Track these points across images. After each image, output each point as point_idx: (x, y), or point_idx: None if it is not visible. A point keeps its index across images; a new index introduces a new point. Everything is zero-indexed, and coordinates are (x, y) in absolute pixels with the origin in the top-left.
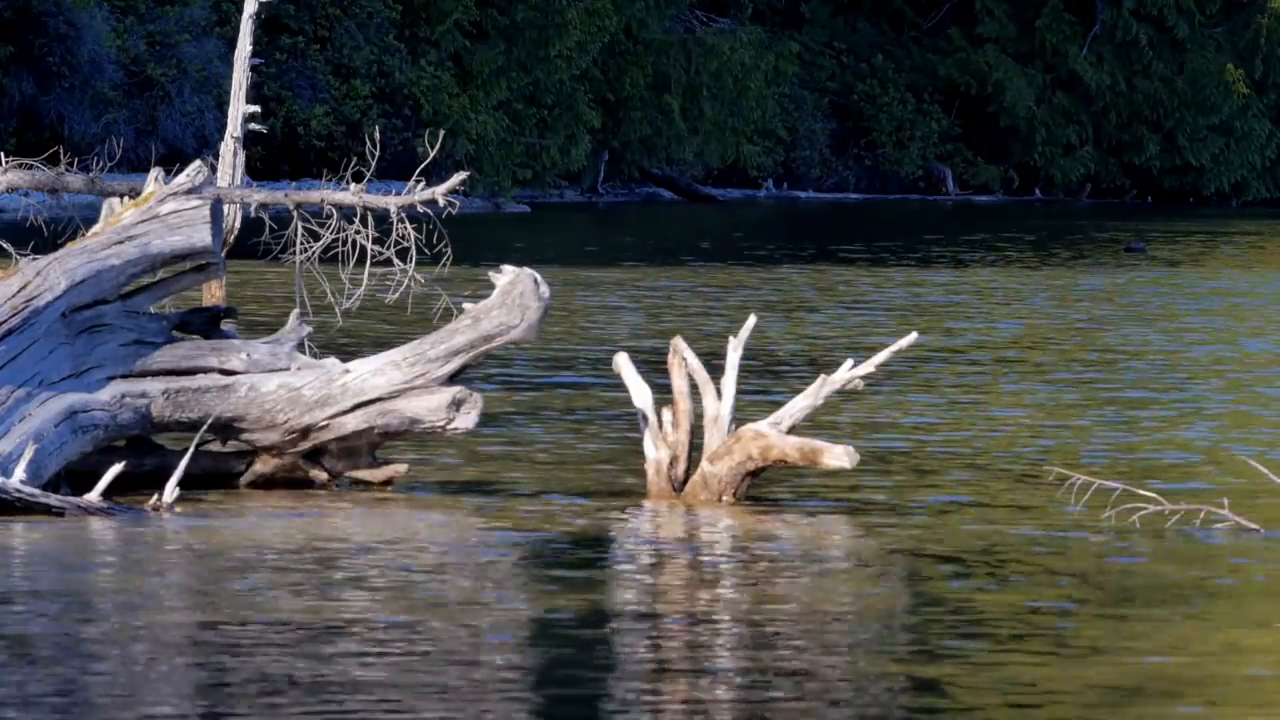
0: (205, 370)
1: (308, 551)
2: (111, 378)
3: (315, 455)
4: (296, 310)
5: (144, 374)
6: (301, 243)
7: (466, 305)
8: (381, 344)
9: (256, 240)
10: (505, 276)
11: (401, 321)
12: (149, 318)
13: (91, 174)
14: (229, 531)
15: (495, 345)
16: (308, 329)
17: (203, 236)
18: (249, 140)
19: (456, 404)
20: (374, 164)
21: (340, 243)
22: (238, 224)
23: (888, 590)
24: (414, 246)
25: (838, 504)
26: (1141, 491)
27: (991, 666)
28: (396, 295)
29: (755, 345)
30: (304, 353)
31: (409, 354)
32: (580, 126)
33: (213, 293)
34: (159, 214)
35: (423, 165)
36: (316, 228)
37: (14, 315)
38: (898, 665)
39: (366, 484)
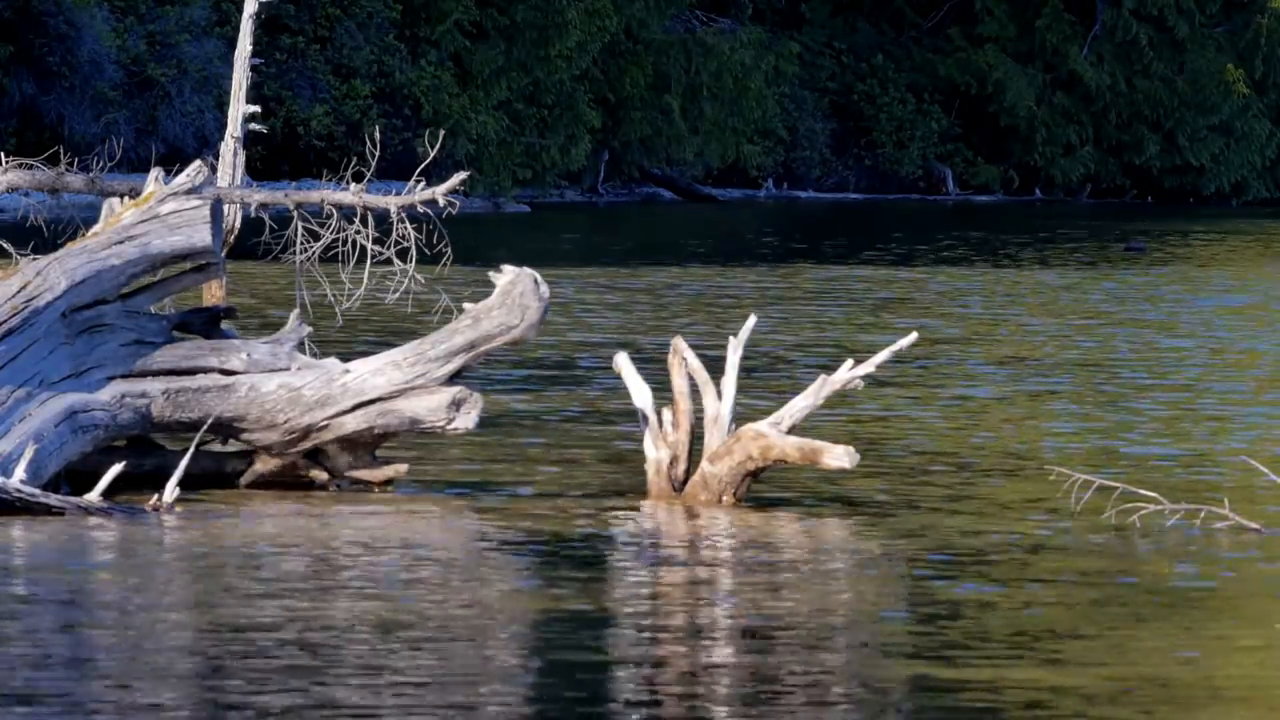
0: (205, 370)
1: (308, 551)
2: (111, 378)
3: (315, 455)
4: (296, 310)
5: (144, 374)
6: (301, 243)
7: (466, 305)
8: (381, 344)
9: (256, 240)
10: (505, 276)
11: (401, 321)
12: (149, 318)
13: (91, 174)
14: (229, 531)
15: (495, 345)
16: (308, 329)
17: (203, 236)
18: (249, 140)
19: (456, 404)
20: (374, 164)
21: (340, 243)
22: (238, 224)
23: (887, 590)
24: (414, 246)
25: (838, 504)
26: (1141, 491)
27: (990, 666)
28: (396, 295)
29: (754, 345)
30: (304, 353)
31: (409, 354)
32: (580, 126)
33: (213, 293)
34: (159, 214)
35: (423, 165)
36: (316, 228)
37: (14, 315)
38: (896, 665)
39: (366, 484)
